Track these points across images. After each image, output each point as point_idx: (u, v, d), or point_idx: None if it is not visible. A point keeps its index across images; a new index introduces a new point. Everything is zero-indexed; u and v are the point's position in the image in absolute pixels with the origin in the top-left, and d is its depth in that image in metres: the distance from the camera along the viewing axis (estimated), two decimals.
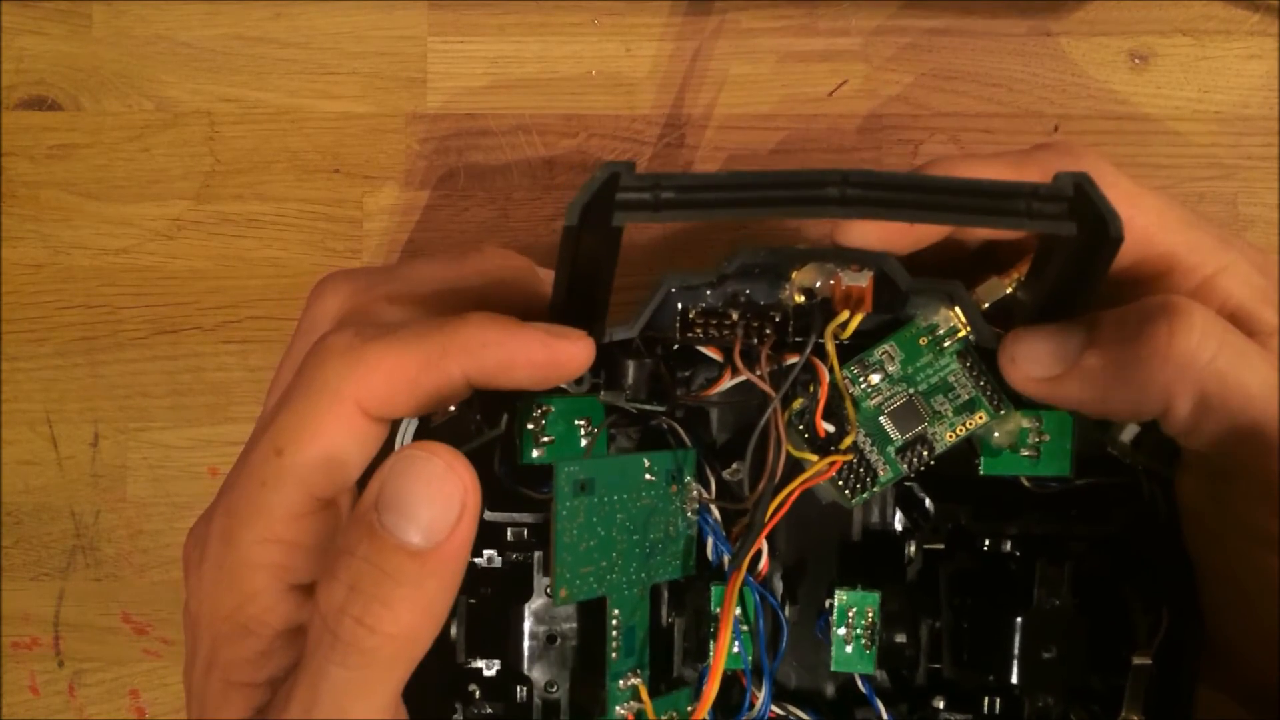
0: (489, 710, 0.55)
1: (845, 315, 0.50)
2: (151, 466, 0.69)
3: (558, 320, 0.50)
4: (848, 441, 0.52)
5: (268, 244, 0.69)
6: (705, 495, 0.54)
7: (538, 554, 0.55)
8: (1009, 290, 0.55)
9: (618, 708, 0.52)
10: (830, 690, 0.58)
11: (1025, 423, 0.53)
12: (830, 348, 0.51)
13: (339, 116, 0.69)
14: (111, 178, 0.69)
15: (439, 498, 0.42)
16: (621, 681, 0.52)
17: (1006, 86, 0.69)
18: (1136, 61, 0.69)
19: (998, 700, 0.55)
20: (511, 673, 0.55)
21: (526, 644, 0.55)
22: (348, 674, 0.43)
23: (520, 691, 0.55)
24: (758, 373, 0.51)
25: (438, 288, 0.53)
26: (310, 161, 0.69)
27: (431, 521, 0.42)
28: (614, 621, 0.52)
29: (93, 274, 0.69)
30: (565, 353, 0.48)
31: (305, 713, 0.43)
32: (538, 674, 0.55)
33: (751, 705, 0.55)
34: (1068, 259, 0.48)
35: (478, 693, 0.55)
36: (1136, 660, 0.52)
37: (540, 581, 0.54)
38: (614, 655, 0.52)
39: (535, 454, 0.52)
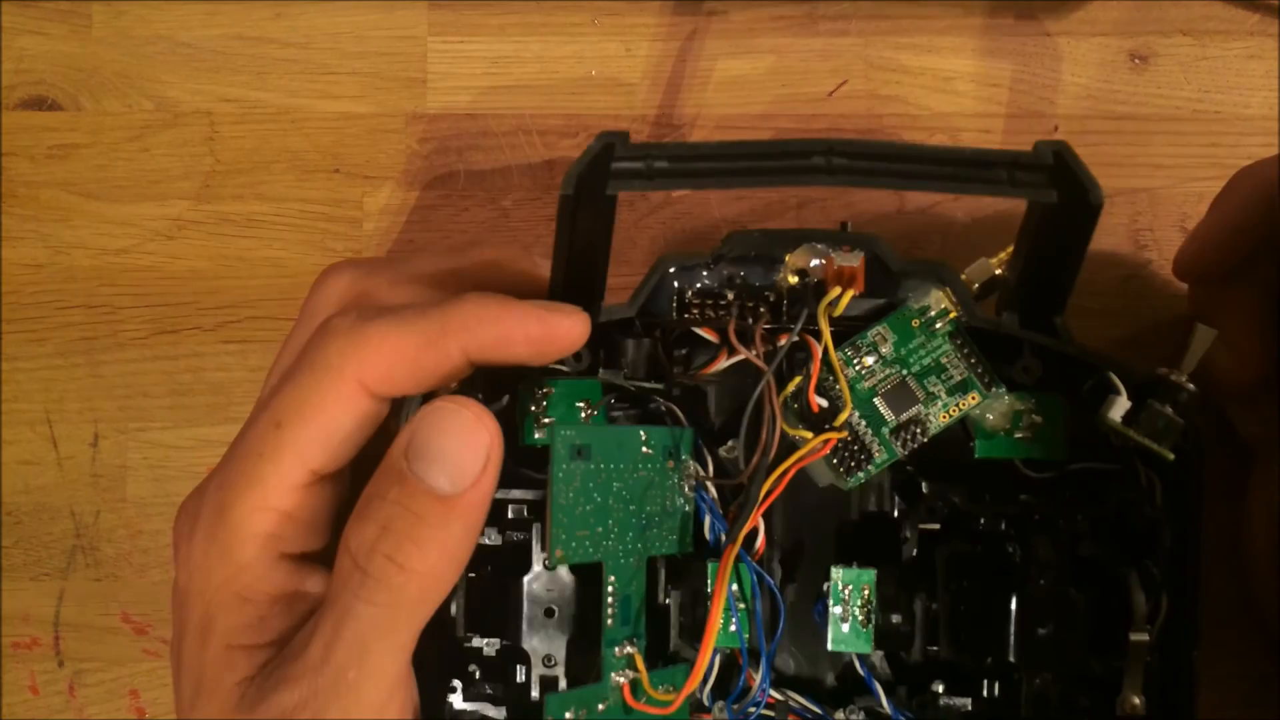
0: (489, 690, 0.58)
1: (837, 291, 0.54)
2: (151, 466, 0.71)
3: (557, 296, 0.54)
4: (842, 418, 0.55)
5: (268, 244, 0.71)
6: (702, 473, 0.57)
7: (536, 526, 0.57)
8: (997, 271, 0.58)
9: (613, 674, 0.54)
10: (830, 678, 0.60)
11: (1018, 404, 0.56)
12: (823, 324, 0.54)
13: (339, 116, 0.72)
14: (111, 178, 0.72)
15: (466, 447, 0.47)
16: (617, 649, 0.54)
17: (1006, 86, 0.71)
18: (1136, 61, 0.71)
19: (996, 684, 0.58)
20: (511, 651, 0.57)
21: (525, 617, 0.57)
22: (374, 611, 0.46)
23: (520, 671, 0.57)
24: (753, 351, 0.54)
25: (437, 274, 0.56)
26: (310, 161, 0.72)
27: (458, 469, 0.47)
28: (610, 588, 0.54)
29: (93, 274, 0.72)
30: (561, 326, 0.51)
31: (326, 649, 0.46)
32: (536, 647, 0.57)
33: (748, 687, 0.57)
34: (1051, 228, 0.52)
35: (478, 673, 0.58)
36: (1134, 637, 0.54)
37: (539, 555, 0.57)
38: (609, 622, 0.54)
39: (537, 435, 0.55)
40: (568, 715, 0.53)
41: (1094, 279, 0.70)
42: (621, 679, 0.54)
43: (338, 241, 0.72)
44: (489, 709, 0.58)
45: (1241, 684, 0.68)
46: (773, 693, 0.58)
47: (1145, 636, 0.54)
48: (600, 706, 0.54)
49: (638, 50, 0.72)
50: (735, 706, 0.57)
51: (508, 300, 0.50)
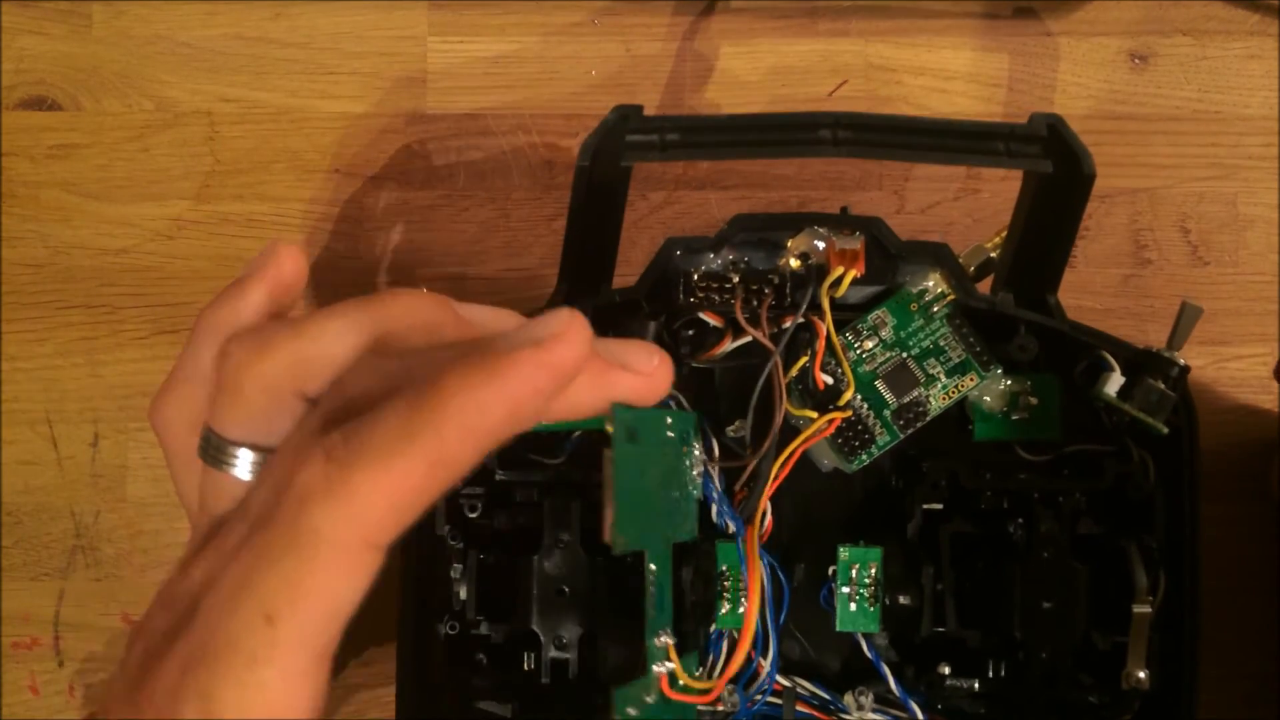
0: (498, 679, 0.62)
1: (840, 271, 0.59)
2: (151, 466, 0.75)
3: (568, 274, 0.59)
4: (845, 397, 0.60)
5: None
6: (709, 461, 0.61)
7: (547, 504, 0.61)
8: (991, 254, 0.64)
9: (654, 666, 0.55)
10: (836, 664, 0.65)
11: (1015, 385, 0.62)
12: (825, 303, 0.59)
13: (339, 116, 0.77)
14: (111, 178, 0.76)
15: None
16: (656, 640, 0.55)
17: (1006, 86, 0.76)
18: (1136, 61, 0.76)
19: (1003, 665, 0.62)
20: (519, 637, 0.61)
21: (536, 598, 0.61)
22: None
23: (528, 658, 0.61)
24: (759, 331, 0.59)
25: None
26: (310, 161, 0.76)
27: None
28: (650, 577, 0.54)
29: (93, 274, 0.76)
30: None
31: None
32: (547, 627, 0.61)
33: (757, 673, 0.61)
34: (1046, 199, 0.58)
35: (485, 661, 0.62)
36: (1136, 609, 0.59)
37: (551, 534, 0.61)
38: (652, 612, 0.55)
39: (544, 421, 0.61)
40: (630, 711, 0.53)
41: (1094, 279, 0.75)
42: (661, 670, 0.55)
43: (338, 241, 0.76)
44: (495, 704, 0.62)
45: (1241, 684, 0.72)
46: (780, 679, 0.62)
47: (1147, 608, 0.58)
48: (648, 699, 0.55)
49: (638, 50, 0.77)
50: (744, 692, 0.61)
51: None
